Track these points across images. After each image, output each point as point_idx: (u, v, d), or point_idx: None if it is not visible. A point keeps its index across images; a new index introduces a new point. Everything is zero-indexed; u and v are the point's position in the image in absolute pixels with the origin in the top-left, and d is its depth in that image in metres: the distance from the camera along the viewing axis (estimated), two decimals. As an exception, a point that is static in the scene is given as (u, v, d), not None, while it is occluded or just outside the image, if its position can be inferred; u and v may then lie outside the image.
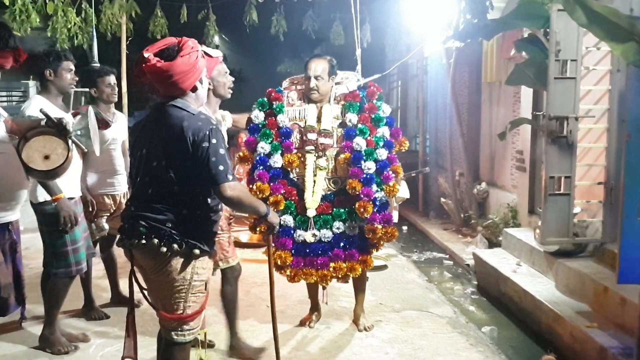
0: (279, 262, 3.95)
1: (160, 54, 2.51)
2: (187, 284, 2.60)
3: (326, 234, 3.94)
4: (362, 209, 3.80)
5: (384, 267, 5.91)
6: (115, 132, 4.37)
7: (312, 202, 3.92)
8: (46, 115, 3.16)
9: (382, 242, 4.00)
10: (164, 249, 2.53)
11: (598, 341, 3.68)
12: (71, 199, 3.71)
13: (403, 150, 4.09)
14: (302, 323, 4.36)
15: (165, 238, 2.52)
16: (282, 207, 3.90)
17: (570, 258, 4.73)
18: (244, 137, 4.19)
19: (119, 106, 8.88)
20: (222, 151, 2.51)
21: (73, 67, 3.79)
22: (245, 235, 6.54)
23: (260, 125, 3.98)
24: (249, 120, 4.02)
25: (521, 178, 6.50)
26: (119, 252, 4.55)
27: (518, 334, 4.62)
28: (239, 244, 6.29)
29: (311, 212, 3.92)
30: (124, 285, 4.74)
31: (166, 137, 2.54)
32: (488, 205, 7.47)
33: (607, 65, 4.74)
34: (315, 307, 4.40)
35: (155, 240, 2.53)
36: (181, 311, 2.62)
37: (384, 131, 3.96)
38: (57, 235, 3.62)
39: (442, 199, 8.06)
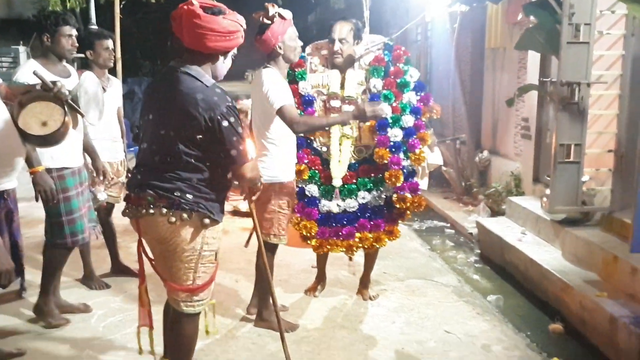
0: (304, 232, 3.90)
1: (205, 9, 2.39)
2: (196, 255, 2.51)
3: (351, 204, 3.89)
4: (393, 178, 3.76)
5: (387, 236, 5.84)
6: (110, 98, 4.22)
7: (339, 171, 3.86)
8: (40, 78, 3.01)
9: (409, 212, 3.92)
10: (173, 219, 2.44)
11: (608, 310, 3.63)
12: (68, 168, 3.58)
13: (435, 117, 3.98)
14: (307, 292, 4.30)
15: (174, 207, 2.43)
16: (306, 177, 3.86)
17: (578, 227, 4.67)
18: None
19: (112, 72, 8.70)
20: (240, 130, 2.42)
21: (74, 32, 3.59)
22: (245, 204, 6.43)
23: None
24: None
25: (526, 146, 6.40)
26: (117, 222, 4.49)
27: (524, 303, 4.58)
28: (238, 213, 6.20)
29: (337, 182, 3.87)
30: (123, 255, 4.67)
31: (177, 107, 2.42)
32: (490, 173, 7.38)
33: (621, 30, 4.59)
34: (321, 277, 4.35)
35: (164, 210, 2.44)
36: (191, 282, 2.54)
37: (410, 97, 3.86)
38: (52, 205, 3.51)
39: (443, 167, 7.94)
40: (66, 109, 3.09)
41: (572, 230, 4.62)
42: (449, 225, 6.73)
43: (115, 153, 4.40)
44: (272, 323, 3.60)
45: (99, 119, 3.60)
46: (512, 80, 6.90)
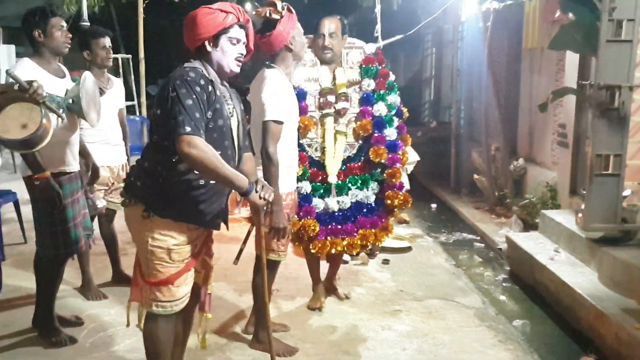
0: (309, 232, 3.74)
1: None
2: (144, 249, 2.44)
3: (345, 201, 3.85)
4: (392, 178, 3.82)
5: (408, 249, 5.48)
6: (109, 99, 3.99)
7: (334, 167, 3.80)
8: (15, 78, 2.79)
9: (397, 210, 3.96)
10: (125, 202, 2.48)
11: (648, 346, 3.19)
12: (65, 174, 3.35)
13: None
14: (310, 308, 4.02)
15: (127, 190, 2.49)
16: (299, 174, 3.70)
17: (617, 247, 4.19)
18: None
19: (137, 74, 8.59)
20: (188, 101, 2.24)
21: (64, 24, 3.31)
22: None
23: None
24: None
25: (563, 155, 5.92)
26: (120, 230, 4.27)
27: (553, 329, 4.14)
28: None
29: (333, 178, 3.80)
30: (126, 264, 4.45)
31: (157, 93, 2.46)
32: (525, 183, 6.91)
33: (669, 27, 4.12)
34: (318, 286, 4.13)
35: (124, 191, 2.52)
36: (146, 275, 2.49)
37: (395, 98, 3.87)
38: (45, 213, 3.28)
39: (475, 176, 7.51)
40: (43, 110, 2.87)
41: (610, 251, 4.15)
42: (478, 238, 6.29)
43: (116, 157, 4.18)
44: (267, 346, 3.28)
45: (97, 121, 3.38)
46: (549, 83, 6.44)
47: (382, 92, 3.80)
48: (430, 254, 5.46)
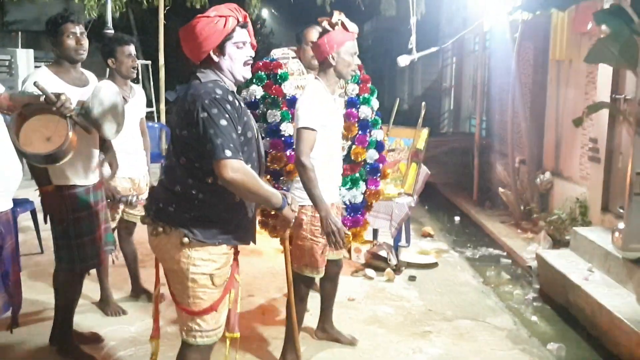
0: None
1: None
2: (183, 276, 2.28)
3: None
4: (383, 174, 4.11)
5: (434, 264, 5.32)
6: (131, 108, 3.89)
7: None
8: (42, 90, 2.69)
9: (371, 205, 4.12)
10: (155, 232, 2.28)
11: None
12: (80, 187, 3.25)
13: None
14: None
15: (157, 218, 2.28)
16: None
17: (657, 268, 4.03)
18: None
19: (155, 80, 8.51)
20: (222, 122, 2.11)
21: (77, 30, 3.16)
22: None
23: (260, 100, 3.95)
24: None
25: (594, 170, 5.74)
26: (139, 240, 4.15)
27: (590, 354, 3.97)
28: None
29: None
30: (145, 277, 4.34)
31: (175, 110, 2.27)
32: (552, 197, 6.73)
33: None
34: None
35: (149, 220, 2.32)
36: (187, 305, 2.32)
37: (375, 102, 4.03)
38: (59, 226, 3.19)
39: (500, 189, 7.34)
40: (69, 124, 2.76)
41: (650, 272, 3.98)
42: (505, 254, 6.11)
43: (137, 167, 4.06)
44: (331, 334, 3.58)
45: (117, 132, 3.25)
46: (578, 96, 6.26)
47: (366, 95, 3.96)
48: (457, 270, 5.30)
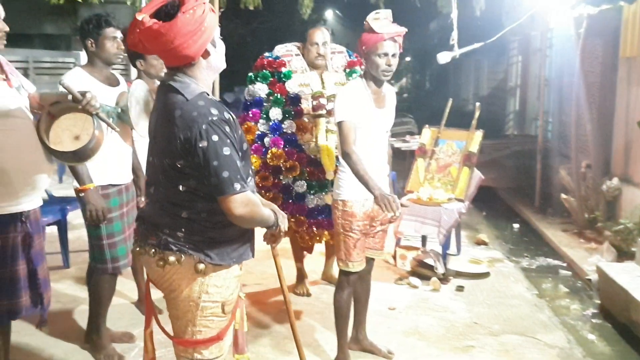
0: (294, 226, 4.05)
1: (157, 15, 1.91)
2: (193, 306, 2.07)
3: None
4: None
5: (486, 274, 5.04)
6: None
7: (331, 164, 4.00)
8: (68, 89, 2.68)
9: None
10: (161, 262, 2.03)
11: None
12: (113, 186, 3.27)
13: None
14: (297, 294, 4.34)
15: (162, 247, 2.03)
16: (298, 173, 4.08)
17: None
18: None
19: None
20: (226, 151, 1.90)
21: (118, 34, 3.23)
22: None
23: (264, 97, 4.13)
24: (249, 93, 4.20)
25: (666, 176, 5.28)
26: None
27: (653, 380, 3.62)
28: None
29: (330, 175, 4.01)
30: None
31: (157, 129, 2.03)
32: (619, 205, 6.25)
33: None
34: (302, 277, 4.49)
35: (152, 250, 2.04)
36: (189, 336, 2.11)
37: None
38: (93, 225, 3.21)
39: (563, 195, 6.90)
40: (95, 122, 2.75)
41: None
42: (565, 265, 5.72)
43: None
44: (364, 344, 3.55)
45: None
46: (651, 96, 5.80)
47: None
48: (510, 281, 4.98)
